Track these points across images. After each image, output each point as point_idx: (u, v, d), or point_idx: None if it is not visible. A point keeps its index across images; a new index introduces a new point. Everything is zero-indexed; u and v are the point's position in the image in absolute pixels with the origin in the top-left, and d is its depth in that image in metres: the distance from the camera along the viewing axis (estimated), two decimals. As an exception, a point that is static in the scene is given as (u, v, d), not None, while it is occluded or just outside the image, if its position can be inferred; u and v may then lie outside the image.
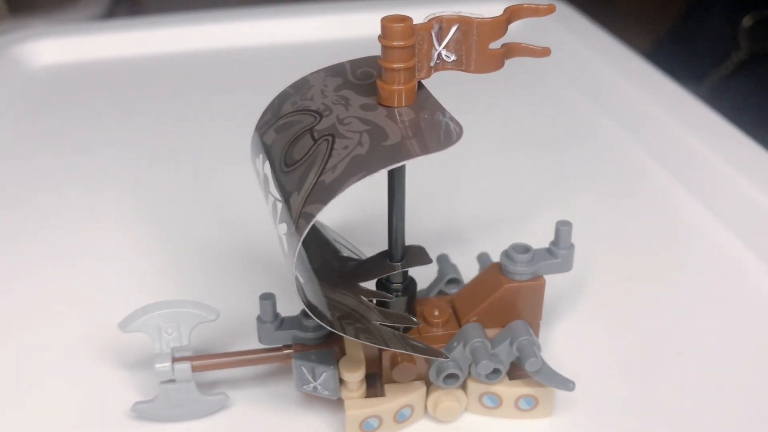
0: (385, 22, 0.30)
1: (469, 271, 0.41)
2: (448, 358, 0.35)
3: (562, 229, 0.37)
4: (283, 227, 0.31)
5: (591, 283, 0.46)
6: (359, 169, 0.29)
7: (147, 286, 0.47)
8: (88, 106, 0.72)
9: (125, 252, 0.50)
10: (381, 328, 0.34)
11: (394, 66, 0.31)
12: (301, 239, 0.29)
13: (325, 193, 0.29)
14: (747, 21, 1.00)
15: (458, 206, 0.55)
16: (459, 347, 0.36)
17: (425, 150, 0.29)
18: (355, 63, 0.36)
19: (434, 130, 0.30)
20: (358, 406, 0.36)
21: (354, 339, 0.32)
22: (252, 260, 0.49)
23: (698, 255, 0.50)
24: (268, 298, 0.37)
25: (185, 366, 0.37)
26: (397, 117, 0.31)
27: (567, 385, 0.36)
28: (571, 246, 0.37)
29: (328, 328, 0.32)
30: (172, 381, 0.37)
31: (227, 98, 0.72)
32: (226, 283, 0.47)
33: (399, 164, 0.29)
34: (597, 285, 0.46)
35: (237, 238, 0.51)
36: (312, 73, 0.36)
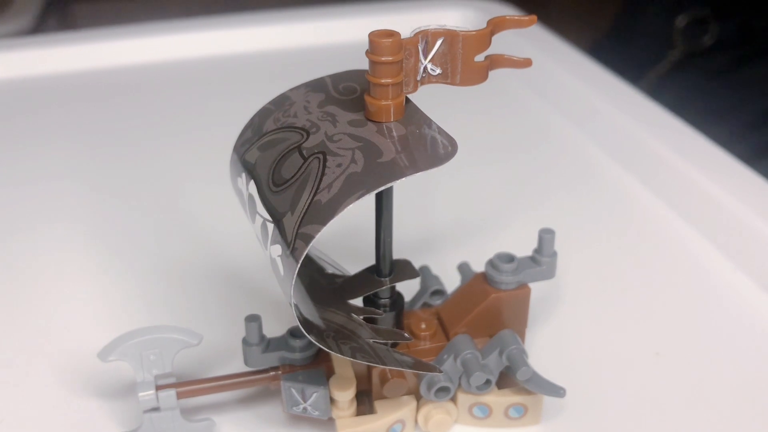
0: (374, 37, 0.30)
1: (447, 281, 0.41)
2: (441, 372, 0.35)
3: (545, 237, 0.37)
4: (277, 249, 0.30)
5: (566, 286, 0.47)
6: (357, 187, 0.28)
7: (117, 312, 0.46)
8: (22, 125, 0.69)
9: (89, 278, 0.49)
10: (374, 345, 0.34)
11: (383, 81, 0.30)
12: (300, 262, 0.28)
13: (322, 214, 0.28)
14: (681, 21, 1.03)
15: (427, 217, 0.55)
16: (450, 360, 0.36)
17: (421, 167, 0.29)
18: (336, 78, 0.35)
19: (428, 145, 0.30)
20: (350, 425, 0.36)
21: (351, 359, 0.32)
22: (223, 281, 0.48)
23: (659, 249, 0.51)
24: (253, 320, 0.36)
25: (170, 393, 0.36)
26: (388, 133, 0.31)
27: (558, 391, 0.36)
28: (554, 253, 0.38)
29: (325, 348, 0.31)
30: (156, 409, 0.36)
31: (170, 113, 0.70)
32: (198, 306, 0.46)
33: (396, 182, 0.28)
34: (572, 288, 0.47)
35: (206, 259, 0.50)
36: (291, 89, 0.35)
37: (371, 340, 0.34)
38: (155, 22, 0.83)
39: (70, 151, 0.64)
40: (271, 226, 0.31)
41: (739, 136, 0.89)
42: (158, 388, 0.36)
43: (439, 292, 0.40)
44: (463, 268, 0.42)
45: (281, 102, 0.35)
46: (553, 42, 0.78)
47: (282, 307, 0.45)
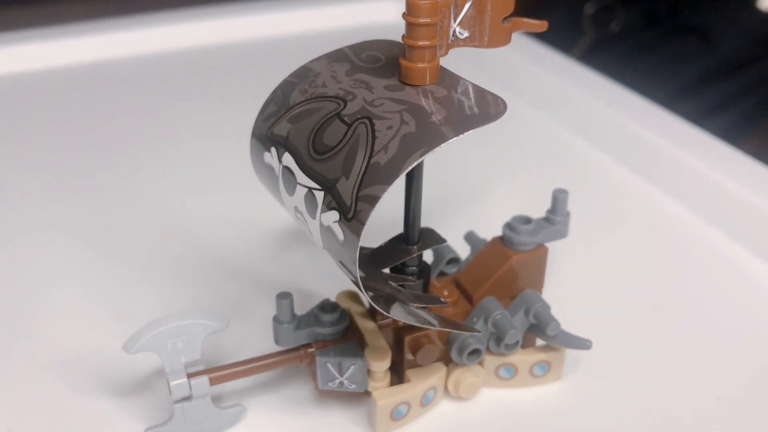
0: (412, -1, 0.30)
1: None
2: (480, 332, 0.36)
3: (559, 196, 0.38)
4: (333, 215, 0.30)
5: (561, 248, 0.48)
6: (416, 145, 0.29)
7: (108, 304, 0.44)
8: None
9: (72, 275, 0.46)
10: (417, 310, 0.34)
11: (420, 43, 0.31)
12: (366, 223, 0.28)
13: (384, 174, 0.28)
14: (589, 8, 1.08)
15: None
16: (480, 322, 0.37)
17: (475, 123, 0.29)
18: (355, 48, 0.35)
19: (473, 103, 0.31)
20: (388, 395, 0.36)
21: (408, 322, 0.32)
22: (217, 270, 0.47)
23: (633, 213, 0.54)
24: (285, 297, 0.35)
25: (202, 380, 0.35)
26: (430, 95, 0.31)
27: (584, 344, 0.38)
28: (568, 213, 0.39)
29: (386, 313, 0.31)
30: (187, 398, 0.35)
31: (149, 107, 0.68)
32: (194, 297, 0.45)
33: (457, 137, 0.29)
34: (567, 250, 0.48)
35: (196, 250, 0.49)
36: (312, 61, 0.35)
37: (413, 305, 0.34)
38: (116, 17, 0.80)
39: (48, 149, 0.62)
40: (320, 194, 0.30)
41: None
42: (189, 376, 0.35)
43: (455, 260, 0.41)
44: (471, 237, 0.42)
45: (304, 74, 0.34)
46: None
47: (273, 289, 0.44)
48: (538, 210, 0.41)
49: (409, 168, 0.28)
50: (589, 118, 0.64)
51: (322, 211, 0.30)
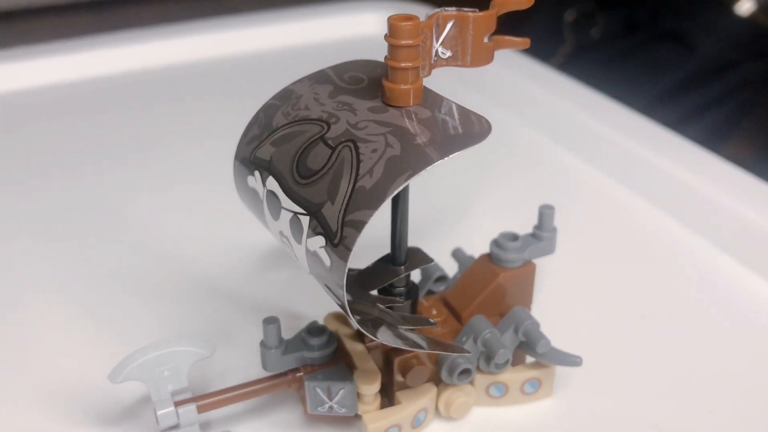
0: (393, 21, 0.30)
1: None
2: (470, 353, 0.35)
3: (546, 212, 0.38)
4: (318, 240, 0.29)
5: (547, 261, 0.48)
6: (401, 169, 0.28)
7: (91, 332, 0.43)
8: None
9: (54, 303, 0.46)
10: (406, 332, 0.34)
11: (403, 65, 0.31)
12: (352, 249, 0.28)
13: (370, 199, 0.28)
14: (569, 15, 1.08)
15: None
16: (469, 341, 0.36)
17: (460, 145, 0.29)
18: (337, 69, 0.35)
19: (458, 125, 0.30)
20: (378, 419, 0.36)
21: (397, 346, 0.32)
22: (192, 291, 0.46)
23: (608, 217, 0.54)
24: (272, 322, 0.35)
25: (190, 408, 0.34)
26: (414, 116, 0.31)
27: (574, 360, 0.37)
28: (554, 229, 0.39)
29: (373, 337, 0.31)
30: (175, 427, 0.35)
31: (132, 125, 0.68)
32: (177, 321, 0.44)
33: (443, 160, 0.28)
34: (552, 263, 0.48)
35: (166, 271, 0.48)
36: (294, 83, 0.35)
37: (402, 327, 0.34)
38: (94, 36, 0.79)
39: (27, 173, 0.61)
40: (306, 219, 0.30)
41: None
42: (177, 404, 0.34)
43: (443, 278, 0.41)
44: (458, 254, 0.42)
45: (286, 96, 0.34)
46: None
47: (259, 312, 0.44)
48: (521, 222, 0.41)
49: (395, 192, 0.28)
50: (570, 128, 0.64)
51: (308, 236, 0.30)
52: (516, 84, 0.70)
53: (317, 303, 0.43)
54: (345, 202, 0.29)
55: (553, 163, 0.62)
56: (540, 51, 1.12)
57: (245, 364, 0.40)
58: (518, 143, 0.65)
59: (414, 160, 0.29)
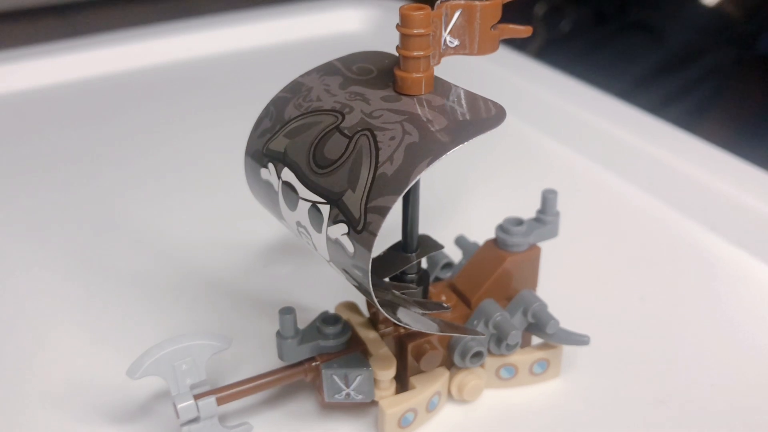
0: (405, 11, 0.31)
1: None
2: (484, 335, 0.36)
3: (549, 196, 0.39)
4: (340, 228, 0.30)
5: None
6: (422, 155, 0.29)
7: (99, 332, 0.43)
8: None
9: (63, 305, 0.45)
10: (424, 317, 0.34)
11: (415, 54, 0.31)
12: (377, 234, 0.28)
13: (393, 185, 0.29)
14: (539, 9, 1.10)
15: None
16: (480, 325, 0.37)
17: (477, 131, 0.30)
18: (345, 61, 0.35)
19: (473, 110, 0.31)
20: (395, 403, 0.36)
21: (417, 329, 0.32)
22: (198, 288, 0.47)
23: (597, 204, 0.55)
24: (288, 312, 0.35)
25: (210, 401, 0.35)
26: (427, 104, 0.31)
27: (582, 340, 0.38)
28: (557, 212, 0.40)
29: (397, 323, 0.31)
30: (194, 420, 0.35)
31: (119, 128, 0.67)
32: (182, 316, 0.44)
33: (462, 145, 0.29)
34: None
35: (171, 269, 0.48)
36: (303, 76, 0.35)
37: (419, 312, 0.34)
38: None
39: (28, 175, 0.60)
40: (326, 208, 0.30)
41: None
42: (196, 397, 0.35)
43: (449, 265, 0.41)
44: (461, 241, 0.43)
45: (296, 89, 0.34)
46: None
47: (264, 305, 0.44)
48: (511, 208, 0.42)
49: (417, 177, 0.28)
50: (553, 115, 0.65)
51: (329, 225, 0.30)
52: (493, 72, 0.71)
53: (321, 295, 0.44)
54: (367, 189, 0.29)
55: (537, 148, 0.63)
56: (510, 45, 1.13)
57: (255, 356, 0.41)
58: (503, 132, 0.66)
59: (433, 145, 0.29)
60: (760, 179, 0.54)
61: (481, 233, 0.43)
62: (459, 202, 0.55)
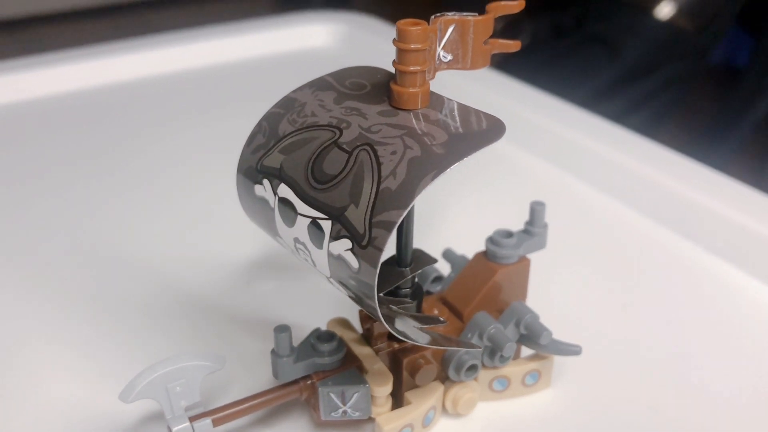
0: (402, 26, 0.31)
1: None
2: (481, 348, 0.36)
3: (537, 208, 0.40)
4: (344, 243, 0.30)
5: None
6: (426, 168, 0.29)
7: (85, 357, 0.42)
8: None
9: (46, 331, 0.44)
10: (422, 331, 0.34)
11: (411, 69, 0.31)
12: (384, 249, 0.28)
13: (398, 199, 0.29)
14: (496, 24, 1.11)
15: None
16: (475, 337, 0.37)
17: (478, 145, 0.30)
18: (337, 76, 0.35)
19: (472, 125, 0.31)
20: (392, 420, 0.36)
21: (418, 343, 0.32)
22: (183, 309, 0.46)
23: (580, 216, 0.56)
24: (283, 330, 0.35)
25: (206, 422, 0.34)
26: (424, 118, 0.31)
27: (574, 350, 0.39)
28: (545, 224, 0.40)
29: (402, 338, 0.31)
30: (190, 443, 0.34)
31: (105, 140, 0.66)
32: (170, 338, 0.44)
33: (467, 157, 0.29)
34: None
35: (155, 290, 0.47)
36: (295, 91, 0.35)
37: (417, 326, 0.34)
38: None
39: (11, 195, 0.59)
40: (327, 224, 0.30)
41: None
42: (191, 419, 0.34)
43: (439, 279, 0.41)
44: (449, 254, 0.43)
45: (289, 104, 0.34)
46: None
47: (250, 324, 0.44)
48: (490, 222, 0.42)
49: (422, 192, 0.28)
50: (518, 124, 0.65)
51: (330, 241, 0.30)
52: (459, 86, 0.72)
53: (308, 311, 0.44)
54: (371, 204, 0.29)
55: (511, 161, 0.64)
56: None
57: (245, 375, 0.40)
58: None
59: (436, 159, 0.29)
60: (722, 183, 0.56)
61: (467, 246, 0.43)
62: (441, 215, 0.55)
